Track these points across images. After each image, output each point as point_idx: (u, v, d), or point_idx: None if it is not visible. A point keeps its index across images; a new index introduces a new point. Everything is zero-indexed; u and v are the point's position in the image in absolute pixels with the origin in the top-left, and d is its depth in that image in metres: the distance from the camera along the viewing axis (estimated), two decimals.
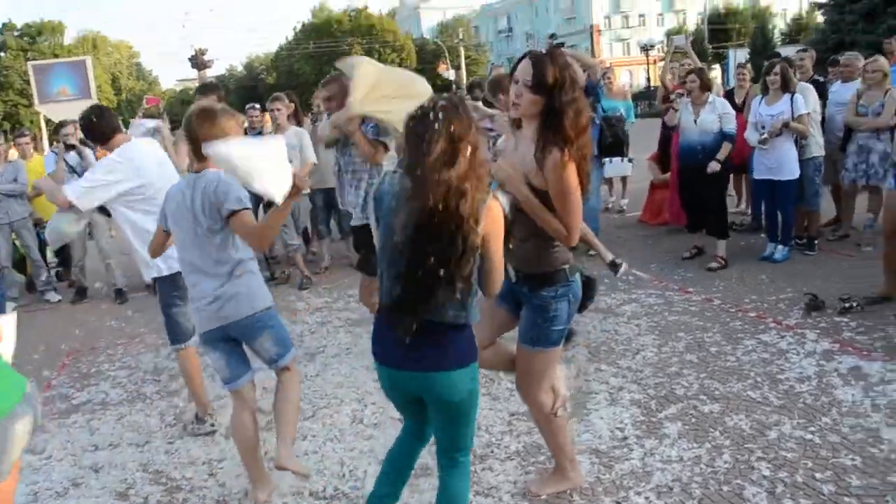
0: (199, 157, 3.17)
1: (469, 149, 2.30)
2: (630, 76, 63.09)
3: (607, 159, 8.41)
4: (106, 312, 7.38)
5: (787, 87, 6.53)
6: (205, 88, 6.30)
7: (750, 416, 3.83)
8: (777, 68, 6.58)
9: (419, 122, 2.32)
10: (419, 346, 2.40)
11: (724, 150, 6.61)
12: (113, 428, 4.49)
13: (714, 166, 6.54)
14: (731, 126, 6.64)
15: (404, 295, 2.35)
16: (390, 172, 2.50)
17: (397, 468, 2.81)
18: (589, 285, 3.50)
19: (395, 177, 2.43)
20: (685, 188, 7.11)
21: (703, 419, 3.84)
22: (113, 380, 5.35)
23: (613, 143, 8.03)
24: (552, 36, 8.61)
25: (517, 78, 2.81)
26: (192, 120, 3.22)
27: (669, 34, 9.57)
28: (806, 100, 6.58)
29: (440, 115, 2.28)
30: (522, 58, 2.86)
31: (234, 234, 3.15)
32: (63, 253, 8.42)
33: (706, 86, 6.83)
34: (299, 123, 8.04)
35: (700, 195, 6.83)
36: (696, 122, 6.76)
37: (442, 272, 2.29)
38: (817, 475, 3.20)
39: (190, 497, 3.57)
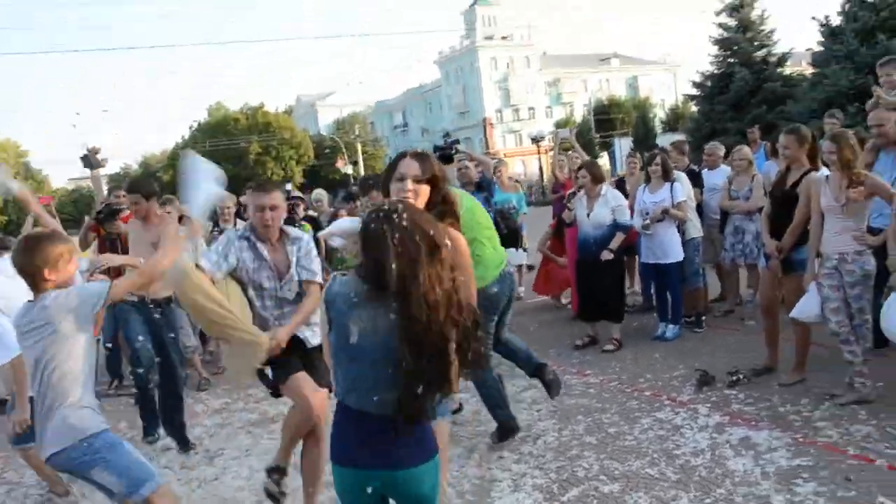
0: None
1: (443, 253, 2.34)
2: (524, 166, 65.39)
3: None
4: None
5: (667, 176, 6.98)
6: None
7: (649, 492, 3.91)
8: (658, 159, 7.06)
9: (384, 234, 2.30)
10: (388, 443, 2.36)
11: (617, 239, 6.81)
12: None
13: (606, 255, 6.74)
14: (624, 217, 6.89)
15: (403, 399, 2.30)
16: (339, 275, 2.47)
17: None
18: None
19: (350, 281, 2.41)
20: (581, 280, 7.22)
21: (605, 499, 3.90)
22: None
23: (508, 234, 8.29)
24: (446, 135, 8.94)
25: (402, 174, 2.95)
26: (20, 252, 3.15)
27: (557, 125, 10.13)
28: (683, 187, 7.03)
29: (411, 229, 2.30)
30: (400, 157, 3.07)
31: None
32: None
33: (598, 178, 7.01)
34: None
35: (597, 286, 6.94)
36: (588, 216, 6.93)
37: (435, 378, 2.31)
38: None
39: None
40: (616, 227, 6.84)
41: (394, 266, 2.25)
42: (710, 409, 5.07)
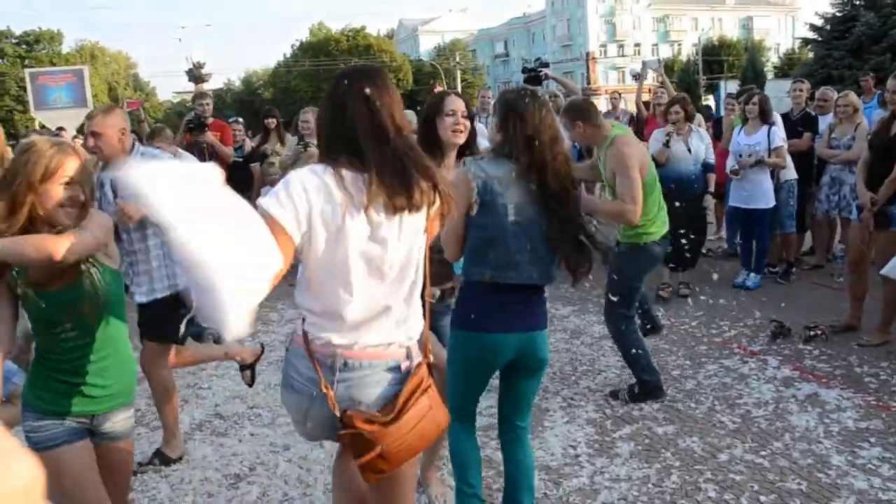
0: None
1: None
2: (625, 103, 63.42)
3: None
4: None
5: (765, 118, 6.61)
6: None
7: (703, 438, 3.84)
8: (755, 98, 6.67)
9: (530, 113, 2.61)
10: (528, 309, 2.69)
11: (711, 179, 6.61)
12: None
13: (711, 199, 6.54)
14: (711, 156, 6.67)
15: (543, 268, 2.66)
16: (476, 161, 2.67)
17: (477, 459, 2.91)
18: None
19: (495, 162, 2.62)
20: (676, 222, 6.52)
21: (657, 440, 3.85)
22: None
23: None
24: (537, 59, 8.70)
25: (454, 110, 3.07)
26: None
27: (644, 61, 9.65)
28: (780, 131, 6.66)
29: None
30: (445, 95, 3.21)
31: None
32: None
33: (691, 115, 6.69)
34: (281, 140, 8.04)
35: (690, 228, 6.19)
36: (689, 151, 6.48)
37: (571, 245, 2.65)
38: (762, 498, 3.21)
39: None
40: (706, 166, 6.65)
41: (544, 139, 2.57)
42: (781, 361, 4.90)
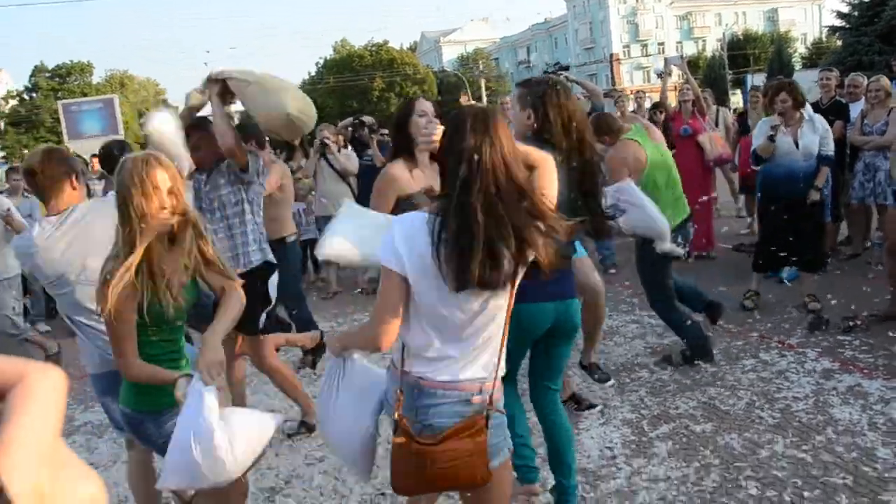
0: None
1: None
2: (650, 102, 62.95)
3: None
4: None
5: (797, 107, 6.47)
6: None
7: (742, 434, 3.76)
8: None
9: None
10: (562, 279, 2.88)
11: (822, 175, 5.71)
12: (110, 448, 4.52)
13: (815, 195, 5.68)
14: (830, 148, 5.78)
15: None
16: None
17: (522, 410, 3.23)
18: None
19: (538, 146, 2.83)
20: (776, 222, 5.80)
21: (695, 438, 3.78)
22: None
23: None
24: (556, 63, 8.65)
25: (425, 111, 3.25)
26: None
27: (666, 58, 9.52)
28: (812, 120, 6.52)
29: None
30: (413, 100, 3.40)
31: None
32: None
33: (800, 102, 5.76)
34: (305, 155, 8.11)
35: (799, 229, 5.70)
36: (798, 145, 5.68)
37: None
38: (806, 494, 3.13)
39: None
40: (820, 159, 5.72)
41: (579, 125, 2.93)
42: (820, 354, 4.78)
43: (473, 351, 2.12)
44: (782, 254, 5.81)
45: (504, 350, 2.19)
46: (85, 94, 46.20)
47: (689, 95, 7.73)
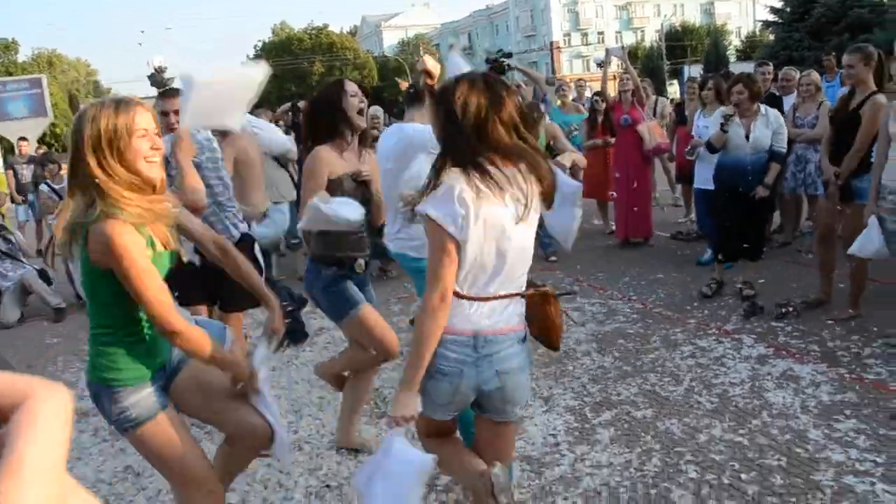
0: None
1: None
2: (590, 91, 63.69)
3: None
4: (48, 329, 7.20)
5: (721, 100, 6.66)
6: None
7: (682, 420, 3.85)
8: (710, 83, 6.76)
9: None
10: None
11: (773, 171, 5.69)
12: (89, 437, 4.30)
13: (762, 192, 5.67)
14: (782, 144, 5.76)
15: None
16: None
17: None
18: None
19: None
20: (726, 213, 5.88)
21: (636, 424, 3.85)
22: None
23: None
24: (499, 50, 8.65)
25: (355, 91, 3.39)
26: None
27: (607, 49, 9.59)
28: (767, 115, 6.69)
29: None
30: (341, 81, 3.52)
31: None
32: None
33: (756, 94, 5.75)
34: None
35: (744, 221, 5.81)
36: (748, 138, 5.68)
37: None
38: (743, 476, 3.22)
39: None
40: (772, 154, 5.72)
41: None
42: (756, 340, 4.93)
43: None
44: (745, 245, 5.86)
45: None
46: (10, 74, 44.35)
47: (629, 85, 7.84)
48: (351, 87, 3.37)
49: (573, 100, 9.93)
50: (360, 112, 3.38)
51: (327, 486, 3.52)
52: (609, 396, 4.24)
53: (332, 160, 3.30)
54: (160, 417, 2.36)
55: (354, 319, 3.41)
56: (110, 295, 2.28)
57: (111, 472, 3.89)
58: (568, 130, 8.65)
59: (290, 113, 8.53)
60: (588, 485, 3.30)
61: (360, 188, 3.39)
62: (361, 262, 3.47)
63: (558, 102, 9.43)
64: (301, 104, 8.54)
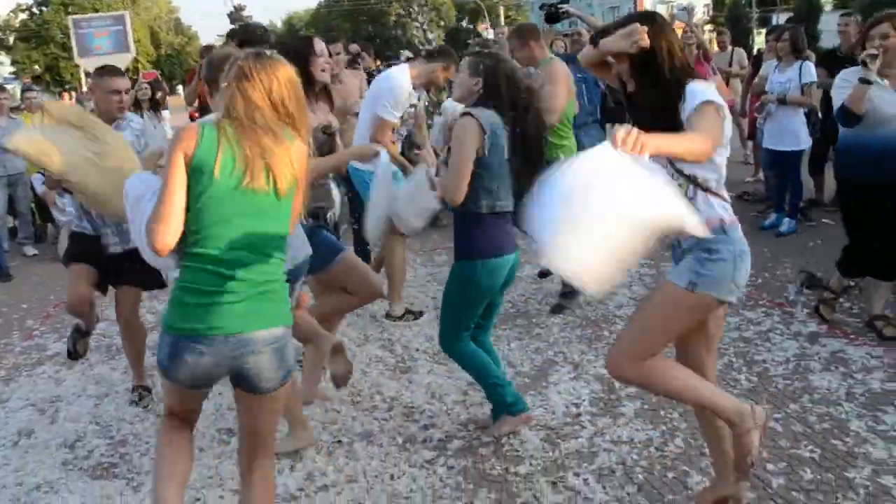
0: None
1: None
2: None
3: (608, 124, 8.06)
4: None
5: (797, 53, 6.19)
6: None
7: None
8: (786, 35, 6.26)
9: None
10: (512, 232, 3.25)
11: None
12: (78, 380, 4.45)
13: None
14: None
15: (519, 196, 3.15)
16: (478, 110, 3.12)
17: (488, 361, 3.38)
18: None
19: (491, 113, 3.13)
20: (861, 220, 4.33)
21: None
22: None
23: (615, 107, 7.68)
24: None
25: (322, 50, 3.71)
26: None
27: (672, 14, 9.12)
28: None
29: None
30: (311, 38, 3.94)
31: None
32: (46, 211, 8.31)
33: None
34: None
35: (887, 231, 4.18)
36: None
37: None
38: (769, 466, 3.00)
39: (131, 452, 3.52)
40: None
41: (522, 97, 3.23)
42: (808, 315, 4.61)
43: None
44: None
45: None
46: (96, 10, 45.23)
47: (692, 39, 7.39)
48: (320, 45, 3.65)
49: None
50: (326, 70, 3.68)
51: (338, 441, 3.47)
52: None
53: None
54: None
55: (341, 264, 3.67)
56: None
57: (133, 413, 3.94)
58: None
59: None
60: (603, 461, 3.14)
61: (329, 141, 3.61)
62: (330, 213, 3.72)
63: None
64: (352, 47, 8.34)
